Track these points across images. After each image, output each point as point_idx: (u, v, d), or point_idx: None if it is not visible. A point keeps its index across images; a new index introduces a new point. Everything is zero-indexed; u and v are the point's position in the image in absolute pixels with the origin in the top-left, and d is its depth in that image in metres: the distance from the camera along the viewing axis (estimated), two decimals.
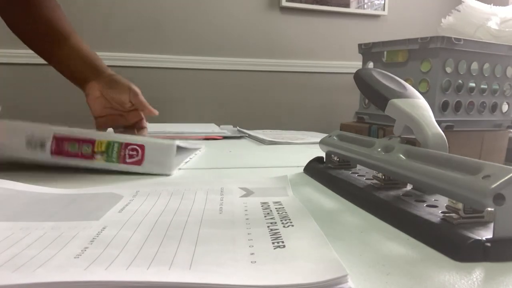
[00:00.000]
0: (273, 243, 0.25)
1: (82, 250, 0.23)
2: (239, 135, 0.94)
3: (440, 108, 1.21)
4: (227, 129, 1.02)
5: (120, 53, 1.66)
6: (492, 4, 1.65)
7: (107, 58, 1.69)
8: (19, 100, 1.57)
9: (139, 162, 0.47)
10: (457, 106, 1.24)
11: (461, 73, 1.22)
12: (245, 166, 0.57)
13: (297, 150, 0.73)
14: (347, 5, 1.94)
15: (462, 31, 1.61)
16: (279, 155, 0.68)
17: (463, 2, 1.70)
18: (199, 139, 0.87)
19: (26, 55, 1.60)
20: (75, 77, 0.71)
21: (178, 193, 0.37)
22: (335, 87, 1.98)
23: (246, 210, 0.32)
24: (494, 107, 1.33)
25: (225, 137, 0.90)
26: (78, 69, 0.69)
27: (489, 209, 0.27)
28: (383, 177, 0.38)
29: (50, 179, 0.45)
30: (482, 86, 1.28)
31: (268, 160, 0.63)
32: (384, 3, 1.99)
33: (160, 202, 0.34)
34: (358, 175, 0.43)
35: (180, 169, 0.53)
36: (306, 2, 1.88)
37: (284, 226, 0.28)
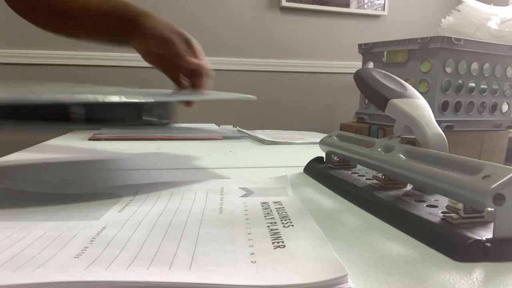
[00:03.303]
0: (273, 243, 0.25)
1: (82, 250, 0.23)
2: (239, 135, 0.94)
3: (440, 108, 1.21)
4: (227, 129, 1.02)
5: (121, 53, 1.66)
6: (492, 4, 1.65)
7: (107, 58, 1.70)
8: None
9: None
10: (457, 106, 1.24)
11: (461, 73, 1.22)
12: (245, 166, 0.57)
13: (297, 150, 0.73)
14: (347, 5, 1.93)
15: (462, 31, 1.61)
16: (279, 155, 0.68)
17: (463, 2, 1.69)
18: (200, 139, 0.87)
19: (26, 55, 1.60)
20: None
21: (178, 193, 0.37)
22: (335, 87, 1.98)
23: (246, 210, 0.32)
24: (494, 107, 1.33)
25: (225, 137, 0.90)
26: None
27: (489, 209, 0.27)
28: (383, 177, 0.38)
29: (50, 179, 0.45)
30: (482, 86, 1.28)
31: (268, 160, 0.63)
32: (384, 3, 1.99)
33: (160, 202, 0.34)
34: (358, 175, 0.43)
35: (181, 169, 0.53)
36: (306, 2, 1.88)
37: (284, 226, 0.28)
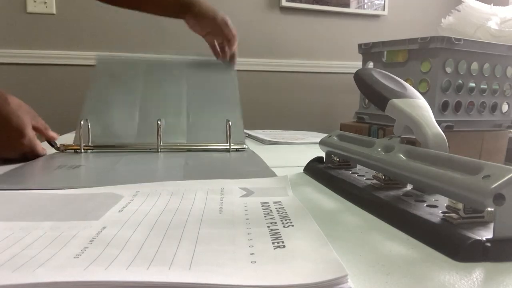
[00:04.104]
0: (273, 243, 0.25)
1: (82, 250, 0.23)
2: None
3: (440, 108, 1.21)
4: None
5: (121, 53, 1.66)
6: (492, 4, 1.65)
7: None
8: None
9: None
10: (457, 106, 1.24)
11: (461, 73, 1.22)
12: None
13: (297, 150, 0.73)
14: (347, 5, 1.93)
15: (462, 31, 1.61)
16: (279, 155, 0.68)
17: (463, 2, 1.70)
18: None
19: (26, 55, 1.60)
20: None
21: (178, 193, 0.37)
22: (335, 87, 1.98)
23: (246, 210, 0.32)
24: (494, 107, 1.33)
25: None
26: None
27: (489, 209, 0.27)
28: (383, 177, 0.38)
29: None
30: (482, 86, 1.28)
31: (268, 160, 0.62)
32: (384, 3, 1.99)
33: (160, 202, 0.34)
34: (358, 175, 0.43)
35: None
36: (306, 2, 1.88)
37: (284, 226, 0.28)
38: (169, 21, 1.84)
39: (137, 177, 0.46)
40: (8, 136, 0.52)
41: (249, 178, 0.44)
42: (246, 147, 0.67)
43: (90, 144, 0.63)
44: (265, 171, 0.50)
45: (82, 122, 0.61)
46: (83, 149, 0.62)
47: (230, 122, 0.65)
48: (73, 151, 0.62)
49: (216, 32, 0.81)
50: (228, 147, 0.65)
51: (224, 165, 0.56)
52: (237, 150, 0.65)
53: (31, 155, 0.55)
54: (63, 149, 0.62)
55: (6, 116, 0.52)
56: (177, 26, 1.82)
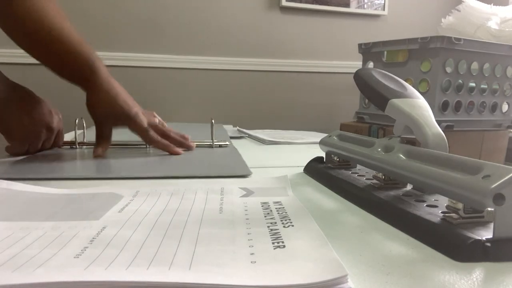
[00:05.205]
0: (273, 243, 0.25)
1: (82, 250, 0.23)
2: (239, 135, 0.94)
3: (440, 108, 1.21)
4: (227, 129, 1.02)
5: (120, 53, 1.66)
6: (492, 4, 1.65)
7: (107, 58, 1.69)
8: None
9: None
10: (457, 106, 1.24)
11: (461, 73, 1.22)
12: None
13: (297, 150, 0.73)
14: (347, 5, 1.93)
15: (462, 31, 1.61)
16: (279, 155, 0.68)
17: (463, 2, 1.70)
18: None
19: (26, 55, 1.60)
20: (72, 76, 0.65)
21: (178, 193, 0.37)
22: (335, 87, 1.98)
23: (246, 210, 0.32)
24: (494, 107, 1.33)
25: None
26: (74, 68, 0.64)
27: (489, 209, 0.27)
28: (383, 177, 0.38)
29: (50, 178, 0.45)
30: (482, 86, 1.28)
31: (268, 160, 0.62)
32: (384, 3, 1.99)
33: (160, 202, 0.34)
34: (358, 175, 0.43)
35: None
36: (306, 2, 1.88)
37: (284, 226, 0.28)
38: (169, 22, 1.83)
39: (128, 168, 0.52)
40: (39, 114, 0.59)
41: (248, 178, 0.44)
42: (228, 143, 0.71)
43: (85, 141, 0.69)
44: (237, 164, 0.53)
45: (77, 120, 0.67)
46: (78, 145, 0.67)
47: (213, 120, 0.70)
48: (69, 147, 0.67)
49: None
50: (211, 143, 0.69)
51: (203, 158, 0.60)
52: (220, 146, 0.70)
53: (56, 140, 0.63)
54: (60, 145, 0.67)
55: (40, 99, 0.58)
56: (177, 27, 1.82)
